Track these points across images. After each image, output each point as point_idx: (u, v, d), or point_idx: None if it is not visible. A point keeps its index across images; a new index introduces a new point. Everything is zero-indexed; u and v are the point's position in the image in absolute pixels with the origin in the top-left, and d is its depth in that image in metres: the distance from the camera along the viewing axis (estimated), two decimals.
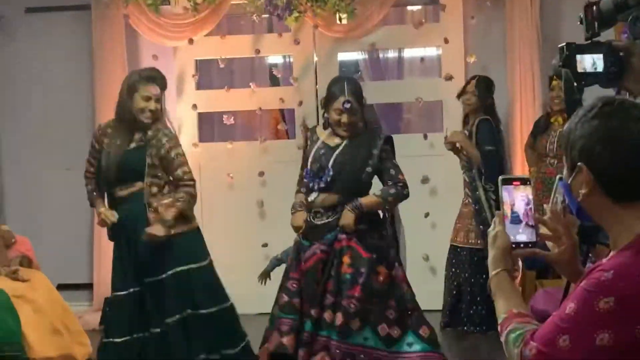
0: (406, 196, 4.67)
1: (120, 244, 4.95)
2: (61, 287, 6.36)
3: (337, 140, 4.68)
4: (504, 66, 6.82)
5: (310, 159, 4.71)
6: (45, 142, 7.36)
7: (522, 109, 6.73)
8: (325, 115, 4.73)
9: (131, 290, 4.87)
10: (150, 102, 4.76)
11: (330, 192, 4.63)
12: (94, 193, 5.02)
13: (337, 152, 4.64)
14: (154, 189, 4.78)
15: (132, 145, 4.83)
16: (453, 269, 6.30)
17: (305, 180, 4.74)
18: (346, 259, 4.55)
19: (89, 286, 7.26)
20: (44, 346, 5.41)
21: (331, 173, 4.59)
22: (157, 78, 4.83)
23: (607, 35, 2.60)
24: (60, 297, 5.93)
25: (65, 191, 7.29)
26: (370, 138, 4.66)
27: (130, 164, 4.79)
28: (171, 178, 4.80)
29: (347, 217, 4.55)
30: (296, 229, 4.74)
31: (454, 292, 6.29)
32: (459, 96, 6.29)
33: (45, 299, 5.70)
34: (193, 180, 4.85)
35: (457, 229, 6.27)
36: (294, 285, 4.63)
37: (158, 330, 4.82)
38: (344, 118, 4.58)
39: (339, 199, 4.62)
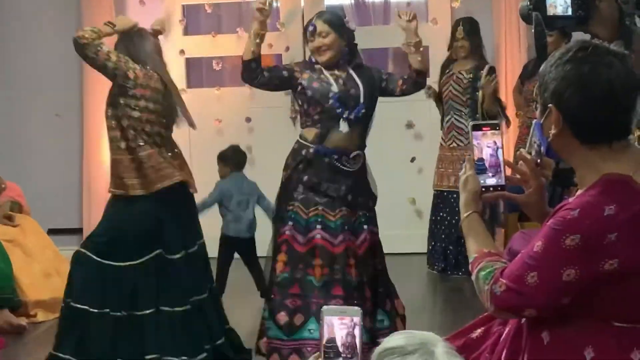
0: None
1: None
2: (51, 232, 6.44)
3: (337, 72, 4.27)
4: (489, 10, 6.82)
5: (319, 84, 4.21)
6: (34, 89, 7.36)
7: (507, 53, 6.76)
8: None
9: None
10: None
11: (354, 131, 4.24)
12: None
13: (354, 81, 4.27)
14: None
15: None
16: (441, 214, 6.37)
17: (331, 104, 4.16)
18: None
19: (78, 231, 7.32)
20: (35, 289, 5.49)
21: (363, 109, 4.21)
22: None
23: None
24: (51, 242, 6.01)
25: (55, 137, 7.34)
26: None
27: None
28: None
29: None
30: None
31: (442, 236, 6.37)
32: (450, 47, 6.31)
33: (36, 244, 5.78)
34: None
35: (442, 173, 6.32)
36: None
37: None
38: (314, 42, 4.25)
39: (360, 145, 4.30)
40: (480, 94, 6.06)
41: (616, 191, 1.92)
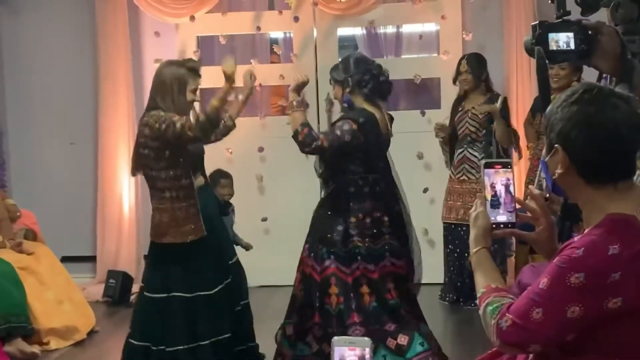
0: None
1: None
2: (65, 260, 6.49)
3: None
4: (500, 43, 6.88)
5: None
6: (49, 117, 7.45)
7: (517, 86, 6.80)
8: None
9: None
10: (197, 94, 4.72)
11: None
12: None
13: None
14: None
15: None
16: (450, 246, 6.39)
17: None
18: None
19: (92, 259, 7.38)
20: (48, 317, 5.52)
21: None
22: (199, 69, 4.78)
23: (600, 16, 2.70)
24: (64, 270, 6.04)
25: (70, 165, 7.42)
26: None
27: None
28: None
29: None
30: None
31: (452, 268, 6.40)
32: (455, 80, 6.36)
33: (49, 271, 5.81)
34: None
35: (451, 206, 6.35)
36: None
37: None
38: None
39: None
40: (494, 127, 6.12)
41: (620, 231, 1.96)
